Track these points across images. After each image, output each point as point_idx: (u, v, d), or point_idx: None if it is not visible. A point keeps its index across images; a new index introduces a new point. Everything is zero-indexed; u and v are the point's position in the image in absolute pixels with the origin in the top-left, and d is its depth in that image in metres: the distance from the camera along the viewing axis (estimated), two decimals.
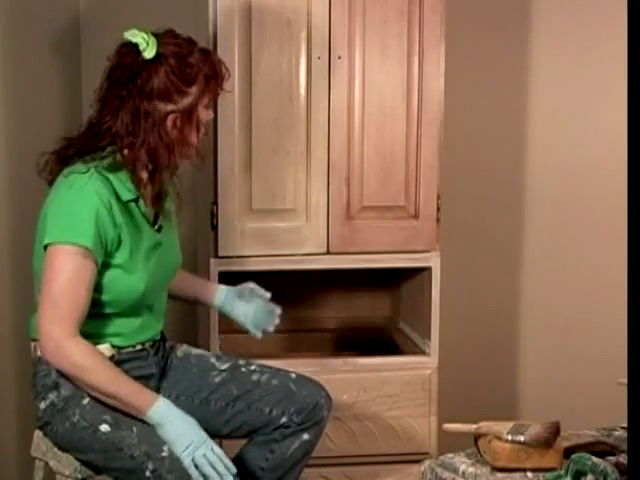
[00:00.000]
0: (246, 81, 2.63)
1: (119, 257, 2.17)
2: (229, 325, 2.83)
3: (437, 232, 2.79)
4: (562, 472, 2.04)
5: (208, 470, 2.08)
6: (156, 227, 2.28)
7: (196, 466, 2.08)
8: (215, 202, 2.69)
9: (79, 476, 2.21)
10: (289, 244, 2.71)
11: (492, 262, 3.42)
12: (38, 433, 2.29)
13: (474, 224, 3.38)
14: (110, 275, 2.16)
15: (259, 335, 2.53)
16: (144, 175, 2.22)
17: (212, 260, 2.70)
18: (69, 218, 2.11)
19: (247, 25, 2.62)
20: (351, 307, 3.21)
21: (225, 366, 2.40)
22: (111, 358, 2.19)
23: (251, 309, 2.52)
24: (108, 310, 2.19)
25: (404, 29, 2.68)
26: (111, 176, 2.17)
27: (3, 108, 2.70)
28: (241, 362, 2.42)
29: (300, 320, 3.12)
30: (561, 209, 3.42)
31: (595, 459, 2.00)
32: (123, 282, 2.18)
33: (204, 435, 2.12)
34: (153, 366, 2.32)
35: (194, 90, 2.19)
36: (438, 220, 2.78)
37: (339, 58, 2.66)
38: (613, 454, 2.19)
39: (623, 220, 2.23)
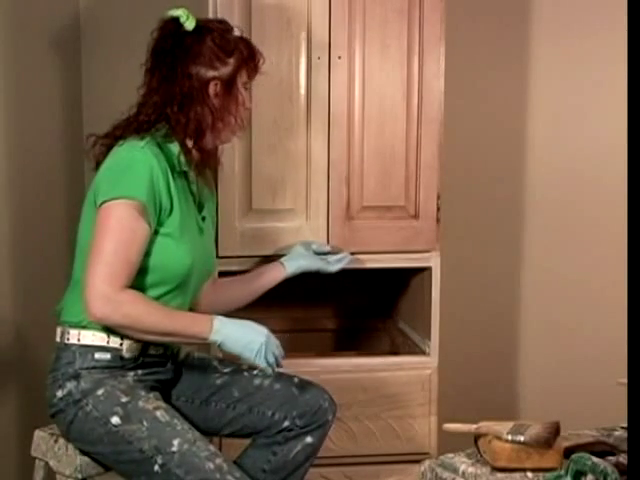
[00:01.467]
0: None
1: (170, 225, 2.19)
2: None
3: (437, 232, 2.79)
4: (562, 472, 2.04)
5: (275, 366, 2.21)
6: (201, 216, 2.32)
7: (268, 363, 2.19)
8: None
9: (79, 476, 2.21)
10: (289, 244, 2.71)
11: (492, 262, 3.43)
12: (38, 433, 2.29)
13: (474, 224, 3.38)
14: (160, 242, 2.19)
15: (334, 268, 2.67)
16: (191, 145, 2.25)
17: None
18: (123, 175, 2.14)
19: (247, 25, 2.62)
20: (351, 307, 3.21)
21: (227, 369, 2.41)
22: (136, 359, 2.21)
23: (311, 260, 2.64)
24: (151, 284, 2.20)
25: (404, 29, 2.68)
26: (165, 148, 2.22)
27: (3, 108, 2.70)
28: (243, 366, 2.42)
29: (300, 320, 3.12)
30: (561, 209, 3.42)
31: (595, 459, 2.00)
32: (173, 250, 2.20)
33: (264, 332, 2.18)
34: (170, 372, 2.33)
35: (232, 61, 2.26)
36: (438, 220, 2.78)
37: (339, 58, 2.66)
38: (613, 454, 2.19)
39: (623, 221, 2.23)
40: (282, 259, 2.62)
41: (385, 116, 2.71)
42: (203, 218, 2.34)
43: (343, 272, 2.82)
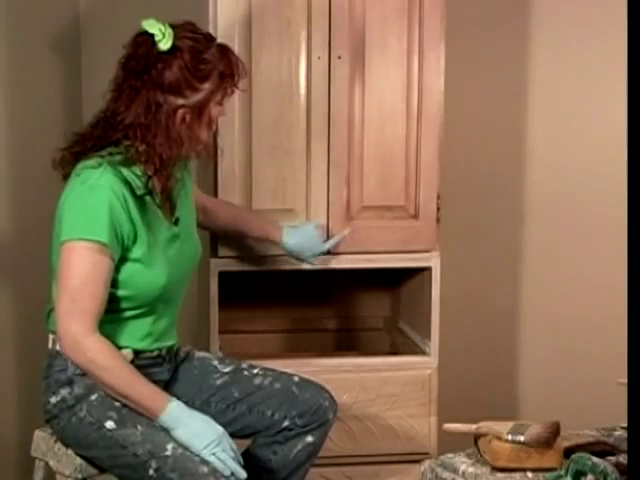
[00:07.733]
0: (246, 81, 2.63)
1: (137, 251, 2.17)
2: (229, 325, 2.84)
3: (437, 232, 2.79)
4: (562, 472, 2.04)
5: (231, 464, 2.08)
6: (173, 220, 2.27)
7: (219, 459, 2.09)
8: None
9: (79, 476, 2.21)
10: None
11: (492, 262, 3.42)
12: (38, 433, 2.29)
13: (474, 224, 3.38)
14: (130, 270, 2.17)
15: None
16: (151, 172, 2.20)
17: (212, 260, 2.70)
18: (84, 214, 2.11)
19: (247, 25, 2.62)
20: (351, 307, 3.20)
21: (227, 369, 2.40)
22: (131, 362, 2.18)
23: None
24: (129, 307, 2.19)
25: (404, 28, 2.68)
26: (124, 170, 2.17)
27: (3, 108, 2.71)
28: (244, 365, 2.41)
29: (300, 320, 3.12)
30: (561, 208, 3.42)
31: (595, 459, 2.00)
32: (143, 276, 2.18)
33: (220, 431, 2.11)
34: (166, 373, 2.32)
35: (207, 86, 2.19)
36: (438, 220, 2.78)
37: (339, 58, 2.65)
38: (613, 454, 2.19)
39: (624, 220, 2.23)
40: (286, 230, 2.61)
41: (385, 116, 2.71)
42: (176, 221, 2.28)
43: (343, 272, 2.83)
